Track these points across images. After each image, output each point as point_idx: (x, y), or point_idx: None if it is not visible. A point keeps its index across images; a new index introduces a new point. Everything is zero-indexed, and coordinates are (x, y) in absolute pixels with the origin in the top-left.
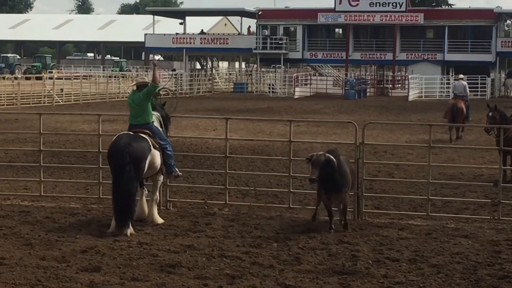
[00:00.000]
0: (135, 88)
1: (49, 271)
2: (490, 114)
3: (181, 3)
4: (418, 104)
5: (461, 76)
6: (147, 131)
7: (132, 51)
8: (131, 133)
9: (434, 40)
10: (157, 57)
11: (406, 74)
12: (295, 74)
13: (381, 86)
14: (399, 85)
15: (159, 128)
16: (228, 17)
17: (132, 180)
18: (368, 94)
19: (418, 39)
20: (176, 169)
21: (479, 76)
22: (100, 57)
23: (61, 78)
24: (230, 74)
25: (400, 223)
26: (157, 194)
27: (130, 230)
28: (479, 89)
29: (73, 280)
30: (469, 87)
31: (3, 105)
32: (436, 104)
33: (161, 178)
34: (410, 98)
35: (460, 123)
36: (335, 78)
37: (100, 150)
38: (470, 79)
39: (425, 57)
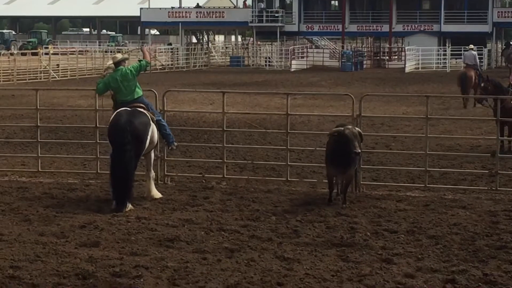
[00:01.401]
0: (112, 66)
1: (48, 247)
2: (482, 85)
3: None
4: (414, 76)
5: (471, 46)
6: (142, 105)
7: (128, 26)
8: (128, 108)
9: (430, 11)
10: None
11: (403, 45)
12: (292, 47)
13: (378, 58)
14: (396, 57)
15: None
16: None
17: (132, 160)
18: (364, 66)
19: (414, 10)
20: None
21: (476, 46)
22: (95, 32)
23: (57, 54)
24: (226, 47)
25: (398, 195)
26: (152, 169)
27: (129, 208)
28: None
29: (72, 255)
30: None
31: None
32: (433, 75)
33: (153, 154)
34: (407, 69)
35: (469, 91)
36: (331, 50)
37: (97, 125)
38: (467, 50)
39: (422, 28)
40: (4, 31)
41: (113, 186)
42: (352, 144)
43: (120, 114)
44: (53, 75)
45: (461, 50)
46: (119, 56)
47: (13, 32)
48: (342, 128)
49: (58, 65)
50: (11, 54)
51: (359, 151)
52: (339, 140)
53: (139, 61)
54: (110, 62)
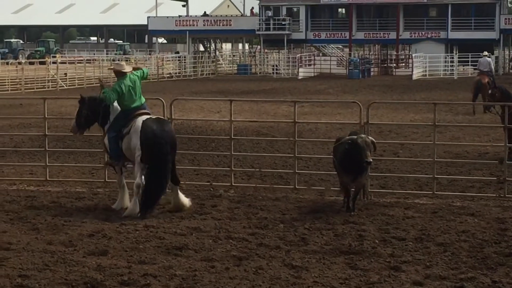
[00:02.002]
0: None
1: (56, 256)
2: (490, 91)
3: None
4: (422, 83)
5: (486, 53)
6: (147, 111)
7: (135, 34)
8: (153, 117)
9: (437, 19)
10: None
11: (410, 53)
12: (299, 54)
13: (385, 65)
14: (403, 64)
15: None
16: None
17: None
18: (372, 73)
19: (421, 17)
20: None
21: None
22: (103, 40)
23: (65, 63)
24: (233, 55)
25: (406, 202)
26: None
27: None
28: (473, 68)
29: (80, 264)
30: (473, 65)
31: (7, 90)
32: (440, 82)
33: None
34: (414, 77)
35: (484, 97)
36: (338, 58)
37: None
38: (474, 57)
39: (429, 35)
40: (12, 40)
41: (149, 195)
42: (364, 153)
43: (153, 124)
44: (61, 84)
45: (468, 57)
46: (126, 67)
47: (21, 41)
48: (355, 137)
49: (65, 74)
50: (19, 63)
51: (371, 160)
52: (352, 148)
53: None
54: (112, 67)
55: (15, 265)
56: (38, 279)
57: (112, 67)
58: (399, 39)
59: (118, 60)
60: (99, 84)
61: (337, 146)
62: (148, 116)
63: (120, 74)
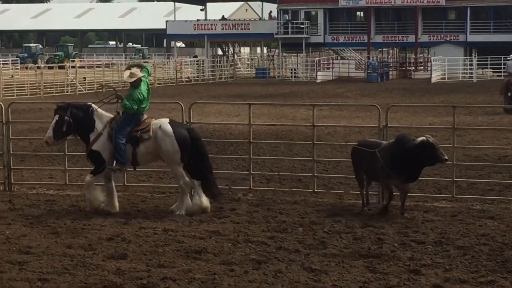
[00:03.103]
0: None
1: (76, 259)
2: (509, 94)
3: None
4: (441, 86)
5: None
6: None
7: (153, 39)
8: (165, 119)
9: (456, 21)
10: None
11: (429, 56)
12: (317, 58)
13: (404, 68)
14: (422, 67)
15: None
16: (249, 2)
17: None
18: (390, 77)
19: (440, 20)
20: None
21: (502, 56)
22: (122, 45)
23: (84, 67)
24: (252, 59)
25: (425, 206)
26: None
27: None
28: (502, 70)
29: (99, 268)
30: (492, 68)
31: (27, 94)
32: (460, 85)
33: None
34: (433, 80)
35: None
36: (357, 61)
37: None
38: (493, 59)
39: (448, 38)
40: (31, 45)
41: (211, 183)
42: (440, 152)
43: (177, 125)
44: (79, 88)
45: (487, 60)
46: (139, 72)
47: (40, 46)
48: (425, 138)
49: (84, 78)
50: (38, 67)
51: (446, 157)
52: (425, 148)
53: (144, 68)
54: (127, 75)
55: (35, 268)
56: (58, 283)
57: (130, 79)
58: (418, 42)
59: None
60: (101, 90)
61: (385, 149)
62: (164, 120)
63: (136, 81)
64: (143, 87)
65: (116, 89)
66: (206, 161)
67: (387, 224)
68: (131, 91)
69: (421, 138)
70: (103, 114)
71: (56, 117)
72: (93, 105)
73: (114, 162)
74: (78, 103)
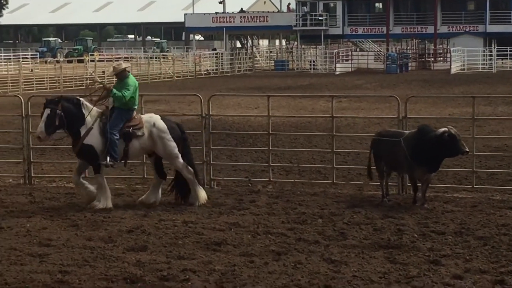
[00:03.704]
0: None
1: (96, 251)
2: None
3: None
4: (460, 77)
5: None
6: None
7: (172, 32)
8: (151, 115)
9: (475, 12)
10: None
11: (448, 47)
12: (336, 50)
13: (423, 59)
14: (441, 58)
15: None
16: None
17: None
18: (409, 68)
19: (459, 11)
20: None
21: None
22: (140, 38)
23: (103, 61)
24: (270, 51)
25: (445, 196)
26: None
27: None
28: None
29: (120, 260)
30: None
31: (46, 88)
32: (479, 76)
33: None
34: (452, 71)
35: None
36: (376, 53)
37: None
38: None
39: (467, 29)
40: (50, 39)
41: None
42: (461, 143)
43: (167, 120)
44: (98, 81)
45: (507, 51)
46: (123, 64)
47: (59, 40)
48: (447, 129)
49: (103, 71)
50: (58, 61)
51: (468, 149)
52: (447, 139)
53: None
54: (111, 70)
55: (56, 261)
56: (78, 275)
57: (114, 70)
58: (437, 33)
59: (157, 58)
60: (91, 85)
61: (407, 139)
62: (156, 116)
63: (121, 74)
64: (132, 78)
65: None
66: (190, 154)
67: (407, 215)
68: (118, 82)
69: (443, 129)
70: (92, 108)
71: (47, 110)
72: (82, 99)
73: (108, 157)
74: (68, 96)
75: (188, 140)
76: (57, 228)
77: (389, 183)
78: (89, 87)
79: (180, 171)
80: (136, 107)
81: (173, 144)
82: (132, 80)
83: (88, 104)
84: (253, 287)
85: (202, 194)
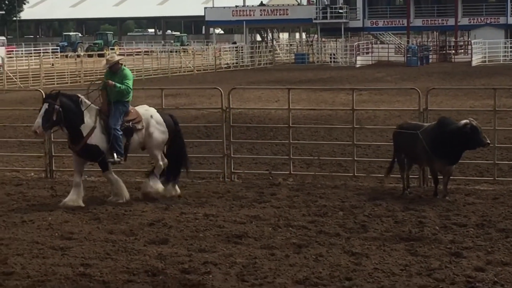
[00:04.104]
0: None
1: (118, 244)
2: None
3: None
4: (481, 69)
5: None
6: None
7: (192, 26)
8: (147, 107)
9: (496, 4)
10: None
11: (469, 39)
12: (356, 43)
13: (444, 52)
14: (462, 51)
15: None
16: None
17: None
18: (430, 60)
19: (480, 3)
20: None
21: None
22: (160, 32)
23: (123, 55)
24: (290, 45)
25: (467, 189)
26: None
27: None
28: None
29: (141, 253)
30: None
31: (67, 83)
32: (501, 68)
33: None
34: (474, 63)
35: None
36: (396, 45)
37: None
38: None
39: (488, 21)
40: (71, 33)
41: (185, 162)
42: (483, 135)
43: (162, 114)
44: None
45: None
46: (116, 57)
47: (80, 34)
48: (468, 121)
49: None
50: (78, 56)
51: (489, 141)
52: (468, 131)
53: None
54: (104, 63)
55: (77, 254)
56: (100, 268)
57: (108, 62)
58: (458, 25)
59: (177, 51)
60: (91, 85)
61: (427, 131)
62: (152, 109)
63: (114, 67)
64: (127, 70)
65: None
66: (184, 146)
67: (428, 207)
68: (111, 75)
69: (465, 121)
70: (91, 106)
71: (46, 105)
72: (81, 96)
73: (115, 154)
74: (67, 92)
75: (181, 131)
76: (78, 221)
77: (410, 176)
78: (92, 83)
79: (155, 162)
80: (131, 98)
81: (164, 137)
82: (128, 72)
83: (87, 101)
84: (274, 280)
85: (160, 188)
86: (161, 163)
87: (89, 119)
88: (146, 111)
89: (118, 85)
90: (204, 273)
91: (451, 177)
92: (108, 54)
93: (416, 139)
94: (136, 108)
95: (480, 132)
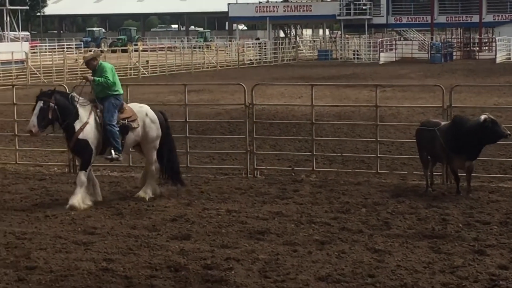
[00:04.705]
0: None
1: (140, 240)
2: None
3: None
4: (506, 66)
5: None
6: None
7: (215, 21)
8: (140, 104)
9: None
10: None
11: (493, 36)
12: (380, 39)
13: (468, 49)
14: (486, 48)
15: None
16: None
17: None
18: (454, 57)
19: (505, 0)
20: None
21: None
22: (184, 28)
23: (146, 50)
24: (314, 41)
25: (490, 186)
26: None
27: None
28: None
29: (163, 248)
30: None
31: None
32: None
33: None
34: (498, 60)
35: None
36: (420, 42)
37: (187, 119)
38: None
39: None
40: (94, 29)
41: (176, 165)
42: (503, 127)
43: (156, 112)
44: (142, 71)
45: None
46: (90, 54)
47: (103, 30)
48: (486, 115)
49: (147, 61)
50: (101, 51)
51: (509, 133)
52: (489, 125)
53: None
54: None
55: (100, 249)
56: (122, 263)
57: (84, 59)
58: (482, 22)
59: (200, 47)
60: (83, 81)
61: (443, 130)
62: (146, 106)
63: (91, 63)
64: (104, 63)
65: None
66: (173, 142)
67: (452, 204)
68: (94, 72)
69: (483, 116)
70: (84, 102)
71: (40, 103)
72: (73, 93)
73: (112, 151)
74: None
75: (171, 128)
76: (101, 216)
77: (434, 173)
78: (80, 82)
79: (149, 164)
80: (122, 92)
81: (158, 134)
82: (106, 65)
83: (81, 99)
84: (297, 276)
85: (156, 189)
86: (153, 167)
87: (83, 115)
88: (141, 108)
89: (97, 78)
90: (227, 269)
91: (475, 175)
92: (88, 52)
93: (434, 137)
94: (129, 105)
95: (500, 125)
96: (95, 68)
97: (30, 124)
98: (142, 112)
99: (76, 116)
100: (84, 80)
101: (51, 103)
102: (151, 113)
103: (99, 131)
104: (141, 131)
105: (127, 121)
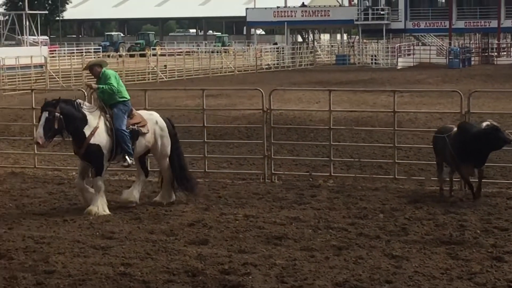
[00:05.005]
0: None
1: (158, 244)
2: None
3: None
4: None
5: None
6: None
7: (233, 26)
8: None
9: None
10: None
11: None
12: (398, 44)
13: (486, 54)
14: (505, 53)
15: None
16: None
17: None
18: (472, 62)
19: None
20: None
21: None
22: (202, 32)
23: (165, 55)
24: (332, 46)
25: (509, 192)
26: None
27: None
28: None
29: (181, 253)
30: None
31: None
32: None
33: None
34: None
35: None
36: (438, 47)
37: (205, 124)
38: None
39: None
40: (113, 33)
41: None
42: (507, 133)
43: (165, 119)
44: (160, 76)
45: None
46: (94, 60)
47: (121, 34)
48: (489, 122)
49: (165, 66)
50: (120, 56)
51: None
52: (491, 132)
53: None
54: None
55: (118, 253)
56: (140, 268)
57: (89, 63)
58: (501, 27)
59: (218, 52)
60: (88, 89)
61: (452, 137)
62: (155, 113)
63: (94, 70)
64: (107, 70)
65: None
66: (180, 149)
67: (469, 210)
68: (99, 82)
69: (485, 123)
70: (92, 108)
71: (46, 114)
72: (79, 100)
73: (127, 157)
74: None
75: (178, 135)
76: (119, 221)
77: (453, 179)
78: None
79: (162, 172)
80: (129, 97)
81: (169, 141)
82: (109, 72)
83: (87, 103)
84: (314, 282)
85: (172, 195)
86: (167, 173)
87: (92, 120)
88: (151, 115)
89: (101, 86)
90: (244, 274)
91: (492, 181)
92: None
93: (445, 143)
94: (139, 112)
95: (503, 131)
96: (99, 75)
97: (36, 136)
98: (152, 120)
99: (85, 122)
100: (88, 88)
101: (56, 113)
102: (161, 121)
103: (110, 135)
104: (151, 138)
105: (137, 126)
